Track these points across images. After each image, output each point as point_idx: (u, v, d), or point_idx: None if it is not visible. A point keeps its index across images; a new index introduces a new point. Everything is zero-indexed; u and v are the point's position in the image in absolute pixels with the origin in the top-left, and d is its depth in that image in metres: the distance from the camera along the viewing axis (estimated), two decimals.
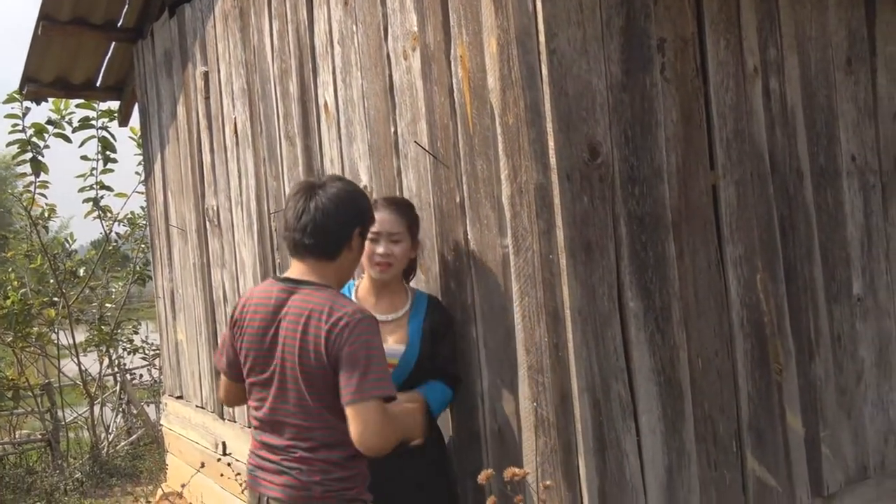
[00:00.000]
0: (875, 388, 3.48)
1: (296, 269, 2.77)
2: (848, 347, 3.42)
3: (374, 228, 2.99)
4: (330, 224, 2.70)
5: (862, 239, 3.49)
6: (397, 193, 3.52)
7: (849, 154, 3.46)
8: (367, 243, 2.97)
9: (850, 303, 3.43)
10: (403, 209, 3.15)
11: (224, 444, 5.46)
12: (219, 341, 2.99)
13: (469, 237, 3.15)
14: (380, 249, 3.06)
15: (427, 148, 3.29)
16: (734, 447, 3.09)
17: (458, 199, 3.18)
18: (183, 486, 5.72)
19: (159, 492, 6.31)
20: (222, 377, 3.01)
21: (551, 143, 2.76)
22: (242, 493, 4.95)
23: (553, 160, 2.76)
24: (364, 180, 3.75)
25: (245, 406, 5.10)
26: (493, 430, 3.11)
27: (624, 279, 2.86)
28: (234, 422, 5.34)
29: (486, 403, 3.14)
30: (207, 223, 5.62)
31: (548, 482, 1.71)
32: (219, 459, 5.22)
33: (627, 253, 2.87)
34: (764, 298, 3.16)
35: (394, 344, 3.05)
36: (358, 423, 2.54)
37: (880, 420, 3.48)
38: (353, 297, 3.16)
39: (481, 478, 1.97)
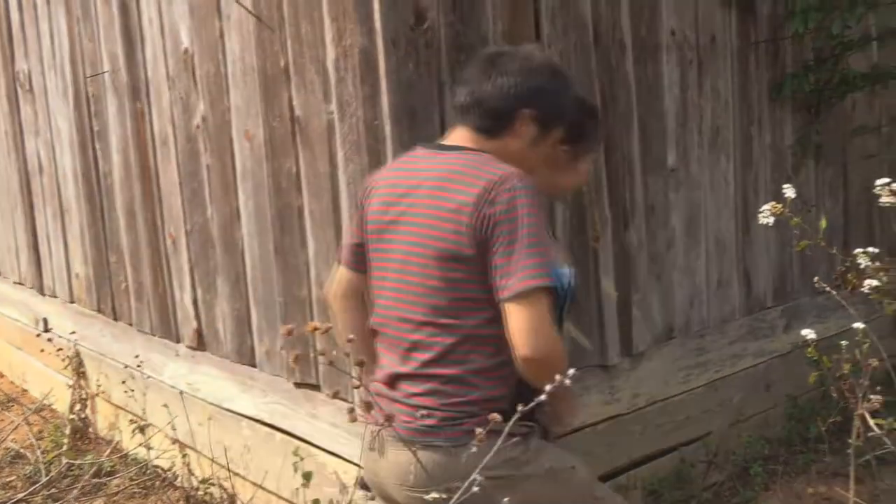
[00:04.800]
0: (684, 254, 3.69)
1: (454, 135, 2.19)
2: (661, 217, 3.59)
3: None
4: (494, 93, 2.10)
5: (678, 112, 3.62)
6: (220, 57, 3.38)
7: (669, 29, 3.54)
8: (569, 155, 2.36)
9: (664, 174, 3.58)
10: None
11: (45, 320, 5.26)
12: None
13: (294, 103, 3.07)
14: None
15: (250, 9, 3.15)
16: None
17: (282, 64, 3.09)
18: None
19: None
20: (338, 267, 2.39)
21: (376, 6, 2.70)
22: (65, 369, 4.83)
23: (378, 24, 2.71)
24: (185, 43, 3.57)
25: (67, 281, 4.95)
26: (319, 297, 3.12)
27: None
28: (56, 297, 5.15)
29: (311, 271, 3.14)
30: (18, 88, 5.25)
31: (351, 336, 1.73)
32: (38, 335, 5.04)
33: (451, 120, 2.87)
34: None
35: None
36: (520, 320, 1.90)
37: (687, 284, 3.71)
38: None
39: (283, 332, 1.99)
